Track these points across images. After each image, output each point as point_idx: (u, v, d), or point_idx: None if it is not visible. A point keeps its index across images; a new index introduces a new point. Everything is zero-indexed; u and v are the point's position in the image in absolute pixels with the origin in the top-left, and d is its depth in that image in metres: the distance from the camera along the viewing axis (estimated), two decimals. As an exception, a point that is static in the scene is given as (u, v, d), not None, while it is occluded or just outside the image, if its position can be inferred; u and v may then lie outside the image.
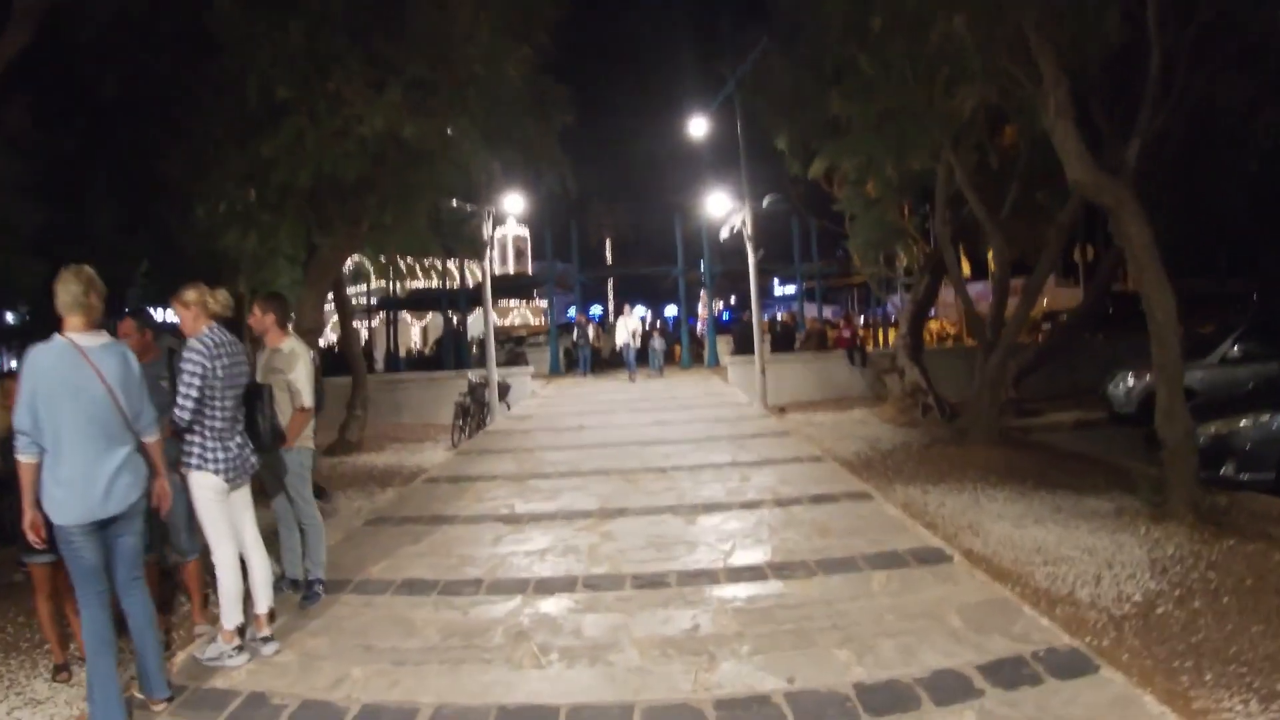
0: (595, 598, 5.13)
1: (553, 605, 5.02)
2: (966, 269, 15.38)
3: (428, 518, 7.48)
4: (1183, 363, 7.13)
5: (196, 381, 4.22)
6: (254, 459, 4.62)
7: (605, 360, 25.46)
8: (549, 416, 15.10)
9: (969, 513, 7.18)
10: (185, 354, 4.25)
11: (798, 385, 17.84)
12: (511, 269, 44.01)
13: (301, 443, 5.27)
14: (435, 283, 24.99)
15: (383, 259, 16.33)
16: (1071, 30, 7.39)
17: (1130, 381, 12.17)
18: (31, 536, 3.67)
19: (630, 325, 22.28)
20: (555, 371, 24.09)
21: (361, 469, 11.31)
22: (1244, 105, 10.09)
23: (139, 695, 3.93)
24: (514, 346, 25.57)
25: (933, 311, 19.46)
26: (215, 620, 4.55)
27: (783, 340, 22.99)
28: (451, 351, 23.75)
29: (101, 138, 13.24)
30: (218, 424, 4.35)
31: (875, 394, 17.16)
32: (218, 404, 4.33)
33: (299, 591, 5.32)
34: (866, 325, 28.07)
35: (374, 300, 29.36)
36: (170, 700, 3.91)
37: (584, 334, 23.43)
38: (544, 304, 32.51)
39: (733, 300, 37.17)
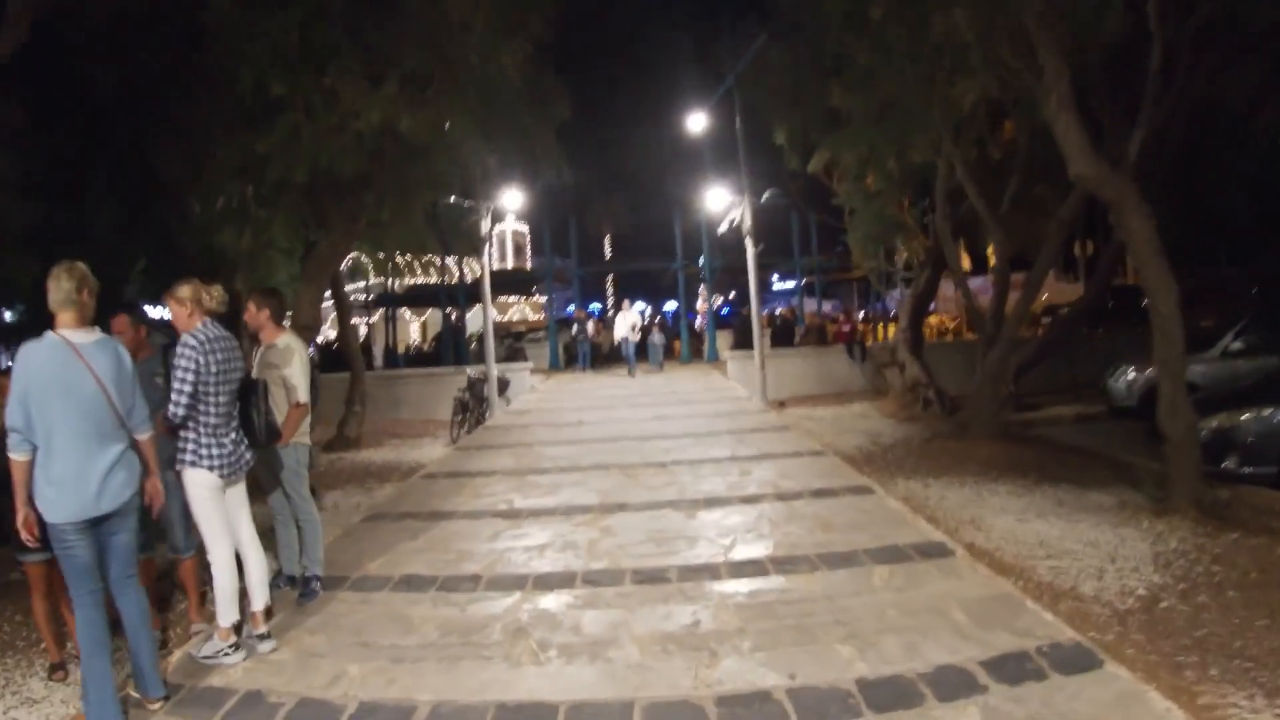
0: (595, 593, 5.10)
1: (552, 601, 4.99)
2: (966, 263, 15.34)
3: (426, 513, 7.45)
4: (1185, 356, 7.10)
5: (190, 377, 4.18)
6: (249, 455, 4.58)
7: (605, 355, 25.42)
8: (548, 412, 15.07)
9: (971, 507, 7.15)
10: (178, 350, 4.21)
11: (797, 380, 17.81)
12: (511, 264, 43.94)
13: (298, 439, 5.23)
14: (434, 279, 24.94)
15: (381, 255, 16.27)
16: (1073, 23, 7.33)
17: (1131, 375, 12.13)
18: (25, 535, 3.63)
19: (629, 320, 22.24)
20: (555, 367, 24.06)
21: (360, 465, 11.27)
22: (1245, 99, 10.04)
23: (135, 694, 3.90)
24: (513, 342, 25.54)
25: (932, 306, 19.42)
26: (212, 618, 4.51)
27: (782, 335, 22.95)
28: (451, 347, 23.71)
29: (98, 135, 13.17)
30: (212, 420, 4.31)
31: (875, 388, 17.12)
32: (212, 400, 4.29)
33: (296, 588, 5.29)
34: (866, 320, 28.02)
35: (372, 297, 29.31)
36: (166, 699, 3.88)
37: (583, 329, 23.38)
38: (543, 299, 32.46)
39: (732, 295, 37.11)
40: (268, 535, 5.14)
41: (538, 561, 5.80)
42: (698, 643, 4.22)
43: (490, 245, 17.61)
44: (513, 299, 40.85)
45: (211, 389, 4.27)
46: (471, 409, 14.16)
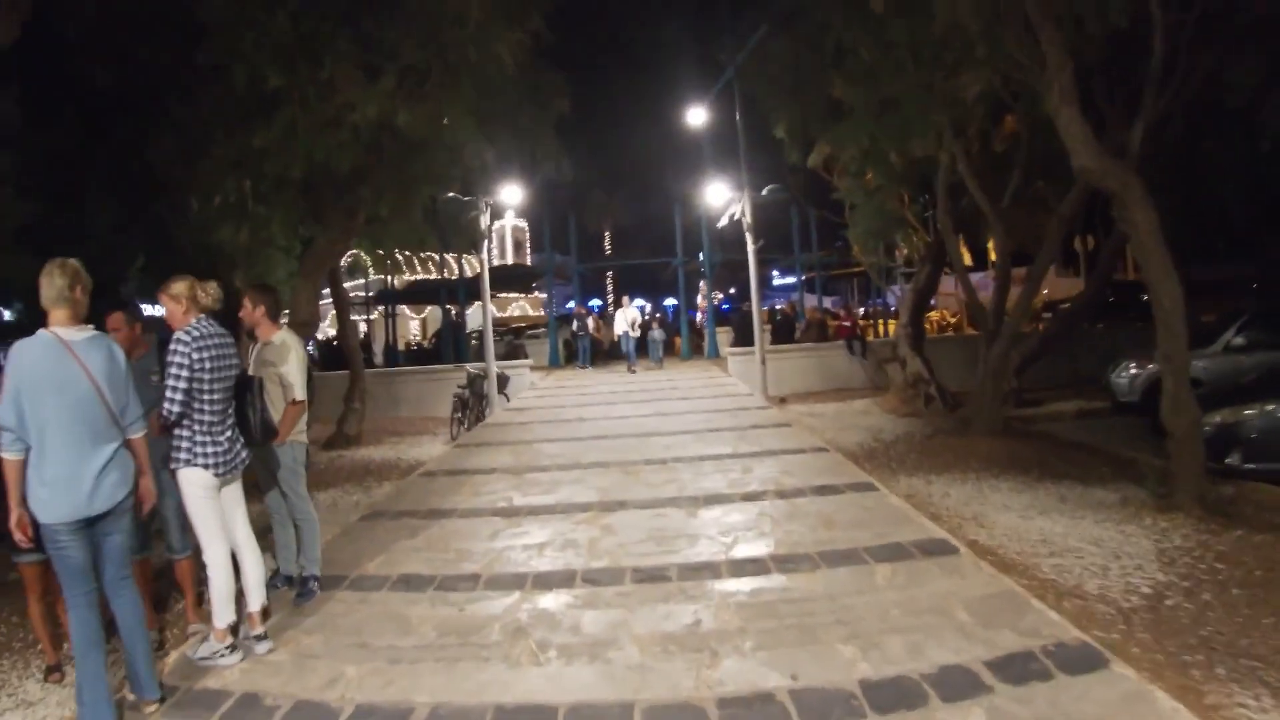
0: (594, 593, 5.05)
1: (551, 601, 4.95)
2: (966, 259, 15.26)
3: (425, 512, 7.40)
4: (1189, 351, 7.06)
5: (184, 374, 4.13)
6: (245, 454, 4.54)
7: (605, 352, 25.37)
8: (548, 409, 15.02)
9: (973, 503, 7.12)
10: (171, 346, 4.17)
11: (798, 376, 17.76)
12: (511, 261, 43.90)
13: (294, 437, 5.18)
14: (434, 275, 24.84)
15: (380, 253, 16.22)
16: (1075, 11, 7.28)
17: (1133, 370, 12.09)
18: (18, 536, 3.60)
19: (629, 316, 22.18)
20: (554, 364, 24.03)
21: (359, 463, 11.23)
22: (1247, 92, 9.96)
23: (131, 696, 3.86)
24: (513, 339, 25.48)
25: (933, 301, 19.37)
26: (209, 618, 4.47)
27: (783, 331, 22.89)
28: (451, 344, 23.67)
29: (95, 133, 13.13)
30: (206, 417, 4.26)
31: (876, 384, 17.09)
32: (205, 397, 4.24)
33: (294, 588, 5.25)
34: (867, 315, 27.96)
35: (372, 294, 29.28)
36: (162, 701, 3.85)
37: (583, 326, 23.32)
38: (543, 296, 32.42)
39: (732, 291, 37.05)
40: (264, 535, 5.11)
41: (537, 560, 5.75)
42: (699, 643, 4.18)
43: (490, 241, 17.56)
44: (513, 295, 40.81)
45: (205, 386, 4.22)
46: (471, 406, 14.12)
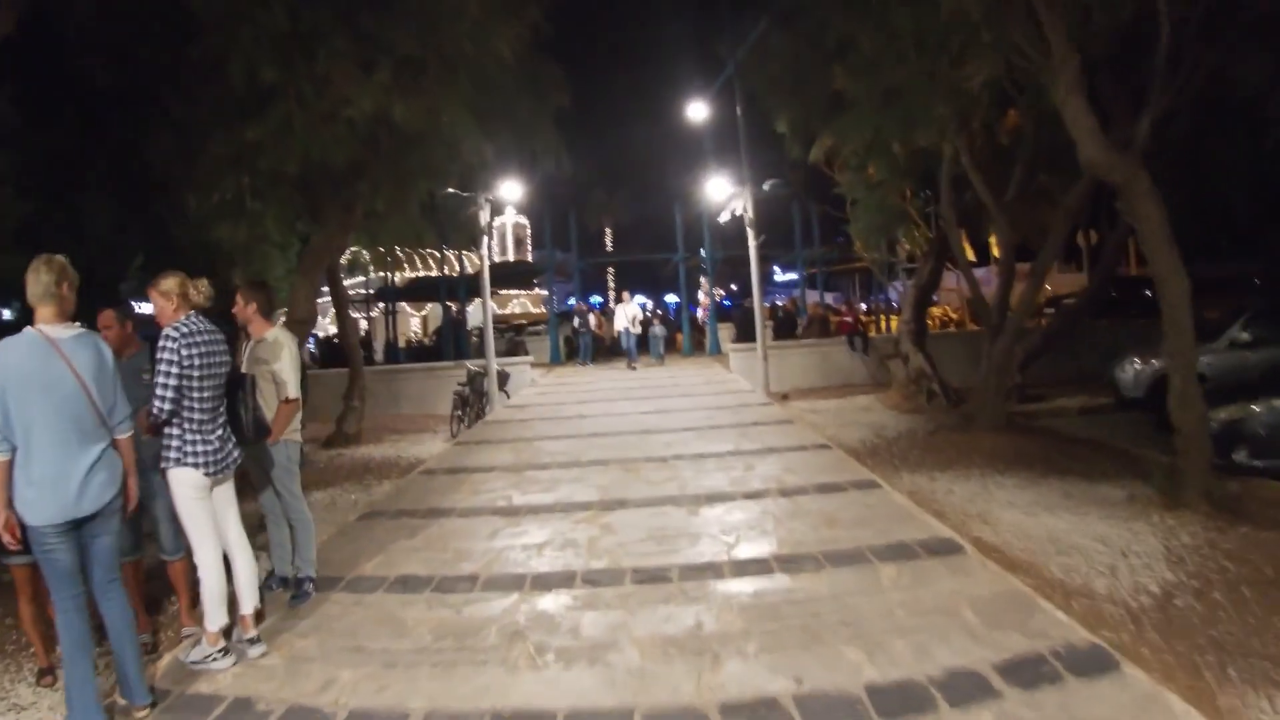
0: (594, 594, 4.98)
1: (550, 602, 4.87)
2: (969, 254, 15.16)
3: (423, 511, 7.33)
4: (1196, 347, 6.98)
5: (174, 370, 4.05)
6: (237, 453, 4.46)
7: (607, 348, 25.30)
8: (548, 406, 14.95)
9: (978, 500, 7.04)
10: (160, 344, 4.09)
11: (800, 372, 17.69)
12: (512, 257, 43.82)
13: (288, 435, 5.11)
14: (434, 271, 24.76)
15: (381, 250, 16.16)
16: (1081, 3, 7.18)
17: (1138, 365, 12.01)
18: (5, 538, 3.54)
19: (629, 312, 22.08)
20: (555, 360, 23.97)
21: (359, 461, 11.16)
22: (1254, 86, 9.86)
23: (122, 701, 3.80)
24: (514, 336, 25.42)
25: (935, 297, 19.28)
26: (203, 621, 4.39)
27: (785, 327, 22.82)
28: (451, 341, 23.61)
29: (92, 131, 13.07)
30: (196, 416, 4.17)
31: (878, 380, 17.02)
32: (195, 395, 4.15)
33: (289, 589, 5.18)
34: (869, 311, 27.89)
35: (372, 291, 29.23)
36: (153, 706, 3.79)
37: (585, 322, 23.24)
38: (544, 293, 32.34)
39: (734, 287, 37.00)
40: (254, 535, 5.04)
41: (536, 561, 5.68)
42: (700, 646, 4.10)
43: (490, 238, 17.48)
44: (514, 292, 40.75)
45: (195, 384, 4.14)
46: (471, 403, 14.05)
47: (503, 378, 16.12)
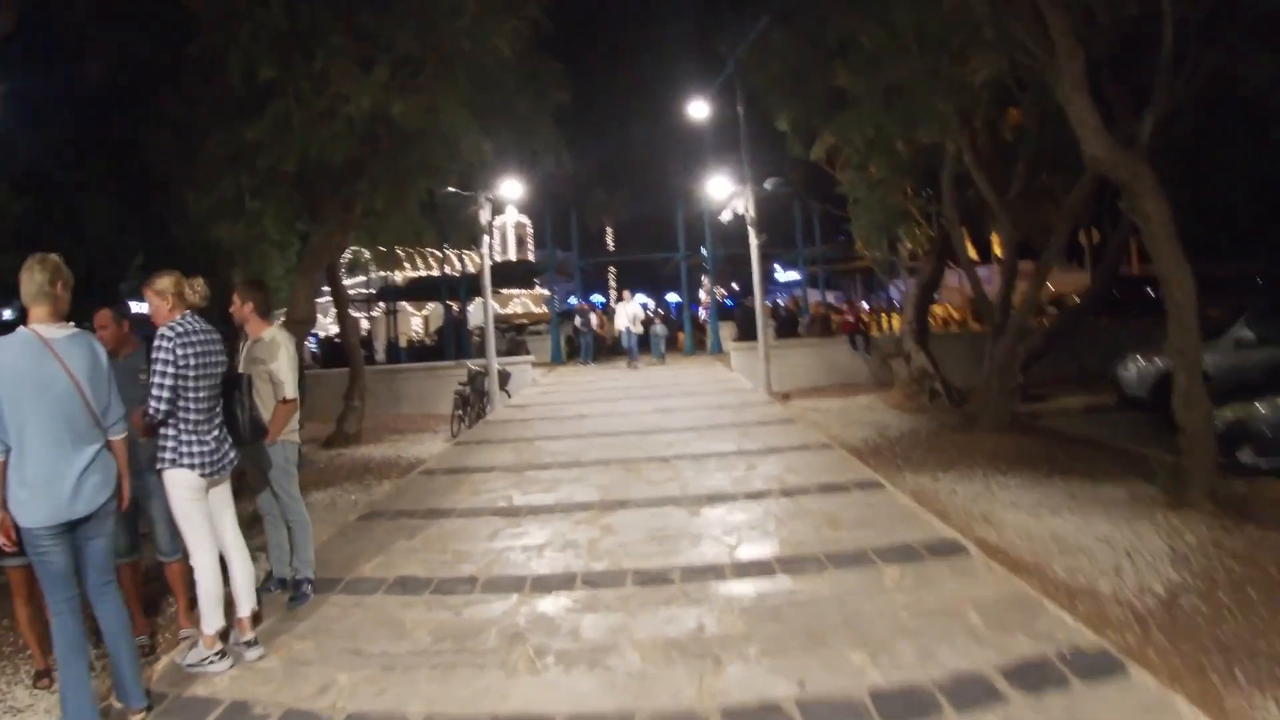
0: (594, 596, 4.93)
1: (550, 604, 4.82)
2: (971, 252, 15.11)
3: (423, 511, 7.29)
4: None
5: (170, 370, 4.01)
6: (233, 454, 4.41)
7: (609, 348, 25.26)
8: (549, 405, 14.92)
9: (981, 501, 7.00)
10: (155, 343, 4.05)
11: (802, 371, 17.65)
12: (514, 257, 43.78)
13: (286, 436, 5.06)
14: (435, 271, 24.72)
15: (381, 249, 16.12)
16: (1084, 1, 7.15)
17: (1141, 364, 11.96)
18: (1, 540, 3.48)
19: (630, 311, 22.01)
20: (557, 360, 23.92)
21: (359, 461, 11.13)
22: (1256, 85, 9.83)
23: (118, 704, 3.76)
24: (515, 335, 25.38)
25: (936, 296, 19.23)
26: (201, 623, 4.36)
27: (786, 326, 22.77)
28: (452, 341, 23.57)
29: (91, 130, 13.06)
30: (192, 416, 4.13)
31: (880, 380, 16.97)
32: (191, 395, 4.11)
33: (287, 591, 5.13)
34: (871, 310, 27.83)
35: (373, 291, 29.19)
36: (149, 709, 3.75)
37: (586, 321, 23.18)
38: (545, 292, 32.30)
39: (735, 286, 36.93)
40: (251, 536, 5.00)
41: (536, 562, 5.63)
42: (702, 649, 4.05)
43: (490, 237, 17.44)
44: (515, 292, 40.74)
45: (191, 383, 4.09)
46: (472, 403, 14.01)
47: (504, 377, 16.08)
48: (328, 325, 28.09)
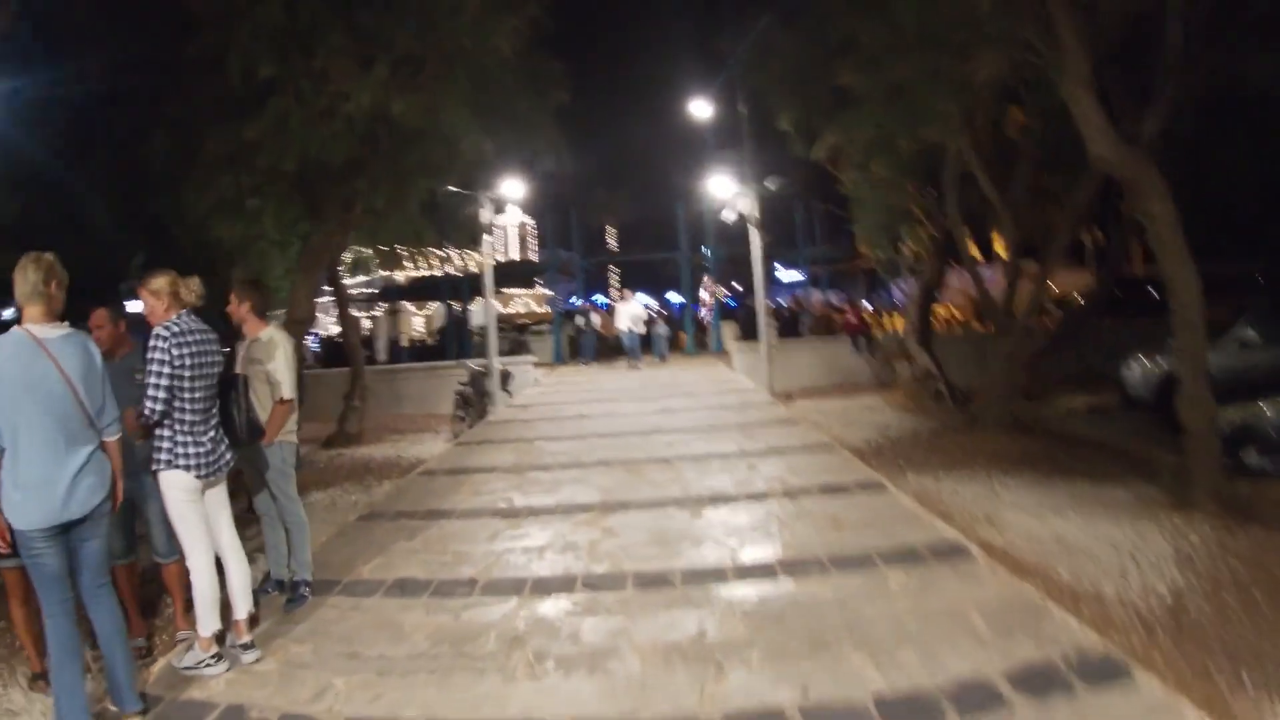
0: (595, 599, 4.88)
1: (550, 607, 4.78)
2: (974, 252, 15.06)
3: (423, 512, 7.25)
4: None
5: (166, 370, 3.97)
6: (229, 455, 4.37)
7: (611, 348, 25.22)
8: (551, 405, 14.88)
9: (985, 502, 6.96)
10: (150, 343, 4.01)
11: (804, 372, 17.58)
12: (516, 257, 43.78)
13: (283, 437, 5.02)
14: (437, 271, 24.72)
15: (383, 249, 16.10)
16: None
17: (1145, 365, 11.91)
18: None
19: (631, 310, 21.95)
20: (558, 360, 23.89)
21: (359, 461, 11.10)
22: (1261, 80, 9.78)
23: (113, 708, 3.72)
24: (517, 335, 25.35)
25: (938, 296, 19.17)
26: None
27: (788, 326, 22.73)
28: (454, 341, 23.55)
29: (91, 129, 13.03)
30: (188, 416, 4.09)
31: (882, 380, 16.92)
32: (187, 395, 4.07)
33: (284, 593, 5.10)
34: (873, 310, 27.80)
35: (375, 290, 29.19)
36: (144, 713, 3.72)
37: (589, 321, 23.13)
38: (547, 292, 32.29)
39: (736, 286, 36.89)
40: (248, 537, 4.96)
41: (536, 564, 5.58)
42: (703, 654, 4.00)
43: (491, 237, 17.41)
44: (516, 292, 40.73)
45: (186, 384, 4.05)
46: (473, 403, 13.97)
47: (505, 377, 16.04)
48: (328, 325, 28.07)
